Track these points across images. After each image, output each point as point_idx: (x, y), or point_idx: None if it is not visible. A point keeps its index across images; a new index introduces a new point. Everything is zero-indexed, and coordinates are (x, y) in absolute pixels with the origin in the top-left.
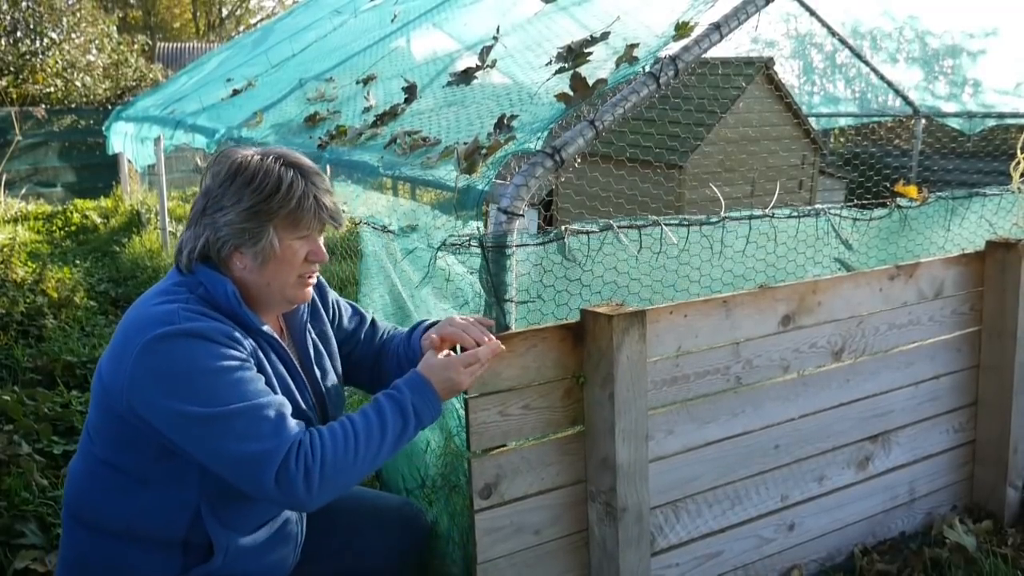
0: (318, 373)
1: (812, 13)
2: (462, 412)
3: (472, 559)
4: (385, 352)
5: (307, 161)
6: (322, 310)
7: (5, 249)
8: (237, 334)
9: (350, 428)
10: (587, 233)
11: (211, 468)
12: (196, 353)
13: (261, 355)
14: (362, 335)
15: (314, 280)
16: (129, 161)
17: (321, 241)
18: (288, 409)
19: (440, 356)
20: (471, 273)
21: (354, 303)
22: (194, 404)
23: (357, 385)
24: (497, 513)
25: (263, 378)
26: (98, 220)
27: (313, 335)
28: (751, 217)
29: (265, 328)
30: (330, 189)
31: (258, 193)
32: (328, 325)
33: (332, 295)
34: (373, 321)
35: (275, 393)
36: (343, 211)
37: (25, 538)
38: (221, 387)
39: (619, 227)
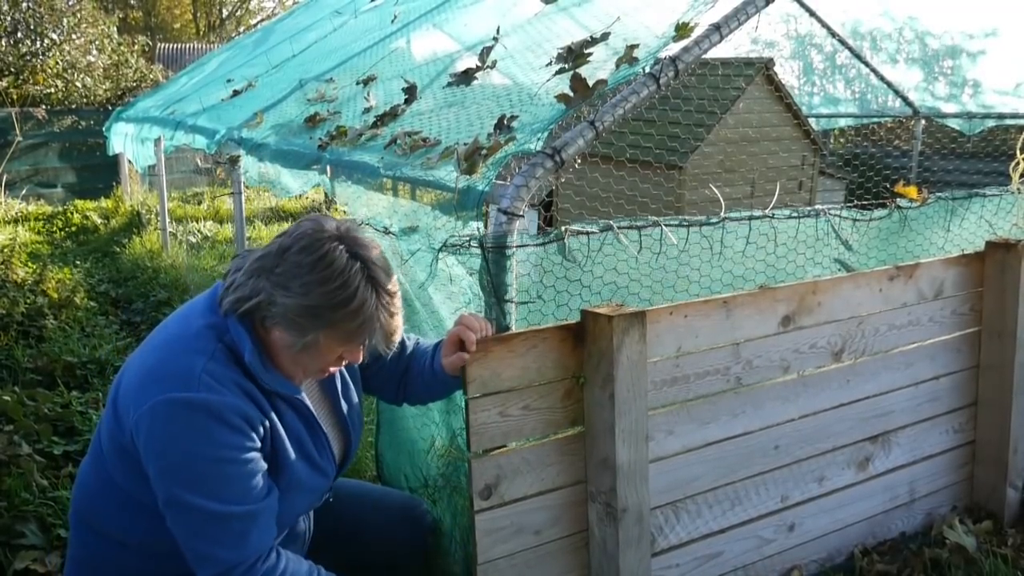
0: (344, 406)
1: (812, 14)
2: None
3: (472, 559)
4: (411, 372)
5: (388, 279)
6: None
7: (5, 250)
8: (254, 414)
9: None
10: (587, 234)
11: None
12: (198, 434)
13: (276, 419)
14: (389, 356)
15: (339, 366)
16: (129, 162)
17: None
18: (264, 517)
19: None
20: (471, 274)
21: None
22: (176, 485)
23: (380, 397)
24: (497, 514)
25: (259, 472)
26: (98, 221)
27: (344, 374)
28: (751, 218)
29: (291, 394)
30: (398, 310)
31: (327, 298)
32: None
33: None
34: (402, 339)
35: (286, 463)
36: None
37: (25, 538)
38: (207, 478)
39: (619, 228)
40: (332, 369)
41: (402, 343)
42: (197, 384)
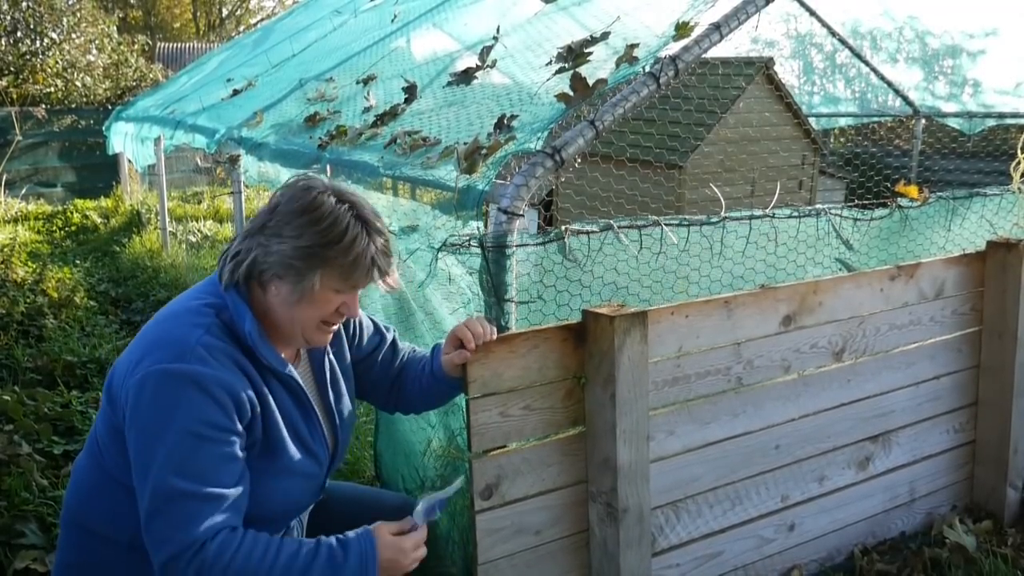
0: (332, 397)
1: (812, 13)
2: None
3: (473, 560)
4: (405, 378)
5: (377, 218)
6: (341, 328)
7: (5, 249)
8: (243, 392)
9: (270, 559)
10: (587, 233)
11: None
12: (182, 406)
13: (270, 396)
14: (380, 356)
15: (335, 328)
16: (129, 161)
17: (358, 296)
18: (222, 502)
19: (394, 533)
20: (471, 273)
21: (375, 318)
22: (148, 455)
23: (372, 402)
24: (498, 514)
25: (234, 457)
26: (98, 220)
27: (331, 355)
28: (751, 217)
29: (285, 371)
30: (391, 250)
31: (320, 236)
32: (346, 345)
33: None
34: (394, 342)
35: (280, 443)
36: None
37: (25, 538)
38: (182, 453)
39: (619, 227)
40: (331, 327)
41: (394, 345)
42: (191, 355)
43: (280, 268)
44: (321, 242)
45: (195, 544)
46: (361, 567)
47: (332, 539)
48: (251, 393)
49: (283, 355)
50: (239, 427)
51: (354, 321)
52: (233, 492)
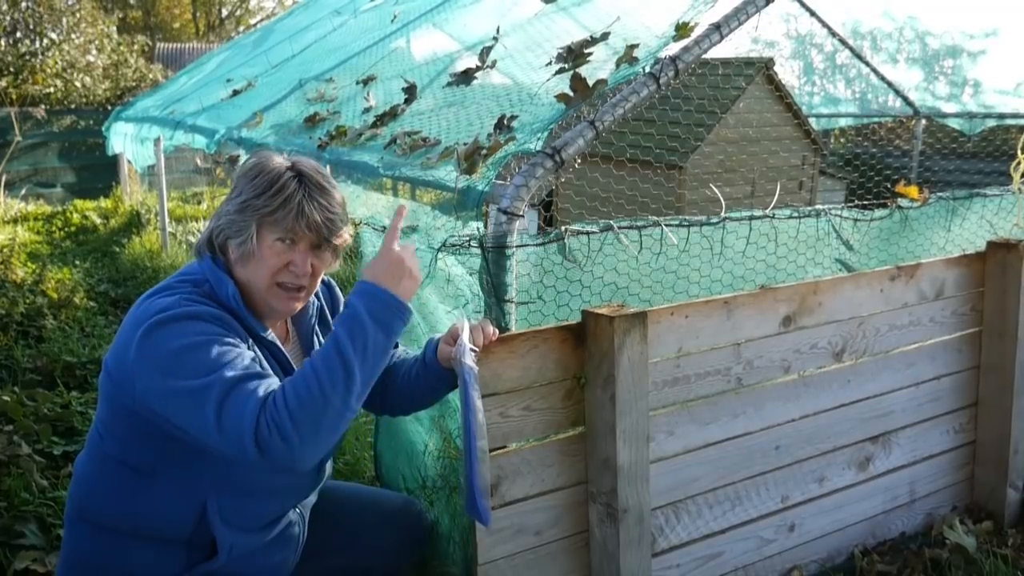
0: None
1: (812, 13)
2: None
3: (473, 560)
4: (394, 375)
5: (320, 176)
6: (330, 316)
7: (5, 250)
8: (235, 327)
9: (308, 370)
10: (587, 234)
11: (206, 444)
12: (186, 331)
13: (259, 356)
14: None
15: (301, 295)
16: (129, 162)
17: (310, 257)
18: (265, 380)
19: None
20: (471, 274)
21: None
22: (180, 378)
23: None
24: (498, 514)
25: (251, 357)
26: (98, 220)
27: (320, 340)
28: (751, 218)
29: (266, 335)
30: (327, 205)
31: (253, 188)
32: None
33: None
34: None
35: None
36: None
37: (25, 539)
38: (203, 359)
39: (619, 227)
40: (289, 291)
41: None
42: (176, 305)
43: (227, 227)
44: (253, 194)
45: (261, 406)
46: (364, 293)
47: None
48: (243, 341)
49: (270, 331)
50: (242, 344)
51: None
52: (266, 371)
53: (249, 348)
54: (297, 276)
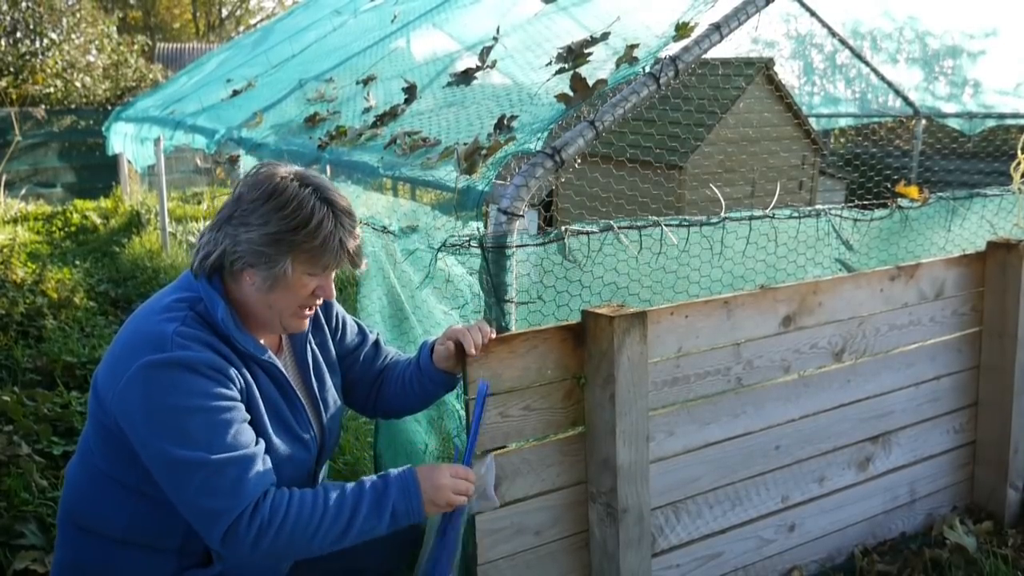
0: (316, 385)
1: (812, 13)
2: (462, 413)
3: (472, 560)
4: (387, 378)
5: (341, 198)
6: (324, 322)
7: (5, 250)
8: (229, 369)
9: (321, 503)
10: (587, 234)
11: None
12: (179, 388)
13: (252, 382)
14: (362, 355)
15: (312, 312)
16: (129, 162)
17: (332, 278)
18: (257, 462)
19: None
20: (471, 274)
21: (360, 321)
22: (166, 442)
23: (351, 404)
24: (498, 514)
25: (243, 420)
26: (98, 220)
27: (313, 346)
28: (751, 218)
29: (265, 357)
30: (357, 232)
31: (286, 222)
32: (329, 338)
33: (338, 309)
34: (377, 342)
35: (263, 430)
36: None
37: (25, 539)
38: (194, 429)
39: (619, 227)
40: (308, 312)
41: (377, 345)
42: (170, 344)
43: (251, 256)
44: (288, 227)
45: (248, 506)
46: (404, 493)
47: (373, 476)
48: (235, 373)
49: (263, 343)
50: (237, 395)
51: (336, 317)
52: (258, 450)
53: (244, 388)
54: (321, 299)
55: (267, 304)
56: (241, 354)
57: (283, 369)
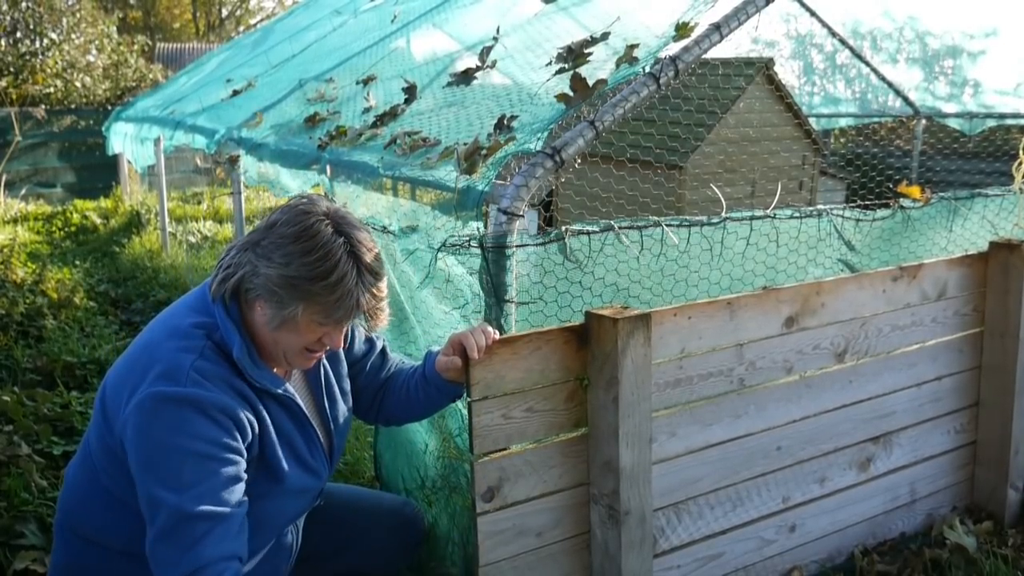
0: (327, 404)
1: (812, 13)
2: (465, 413)
3: (474, 562)
4: (390, 387)
5: (369, 252)
6: None
7: (5, 249)
8: (241, 413)
9: None
10: (587, 234)
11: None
12: (184, 428)
13: (267, 417)
14: (368, 364)
15: (320, 356)
16: (129, 162)
17: (343, 330)
18: (233, 525)
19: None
20: (471, 274)
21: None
22: (153, 475)
23: (356, 408)
24: (499, 516)
25: (239, 476)
26: (98, 220)
27: (327, 369)
28: (752, 218)
29: (280, 390)
30: (380, 293)
31: (307, 268)
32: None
33: None
34: (384, 350)
35: (277, 466)
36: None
37: (25, 539)
38: (187, 472)
39: (620, 228)
40: (315, 354)
41: (384, 353)
42: (185, 379)
43: (264, 291)
44: (307, 275)
45: (203, 568)
46: None
47: None
48: (248, 414)
49: (276, 370)
50: (241, 446)
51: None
52: (240, 512)
53: (257, 427)
54: (328, 347)
55: (273, 339)
56: (257, 390)
57: (299, 402)
